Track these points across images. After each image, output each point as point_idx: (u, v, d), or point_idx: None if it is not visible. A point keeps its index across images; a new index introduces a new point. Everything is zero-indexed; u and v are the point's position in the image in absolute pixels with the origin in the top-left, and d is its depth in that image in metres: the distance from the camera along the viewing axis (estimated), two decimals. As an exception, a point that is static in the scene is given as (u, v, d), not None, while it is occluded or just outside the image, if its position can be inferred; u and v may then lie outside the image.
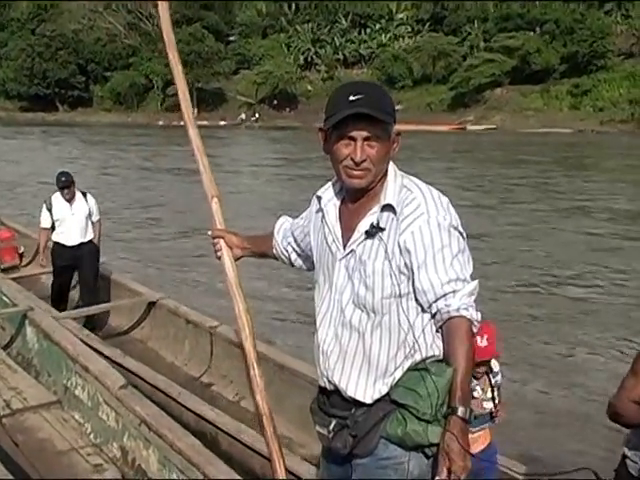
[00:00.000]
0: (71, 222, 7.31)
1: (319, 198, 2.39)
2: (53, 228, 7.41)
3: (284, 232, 2.68)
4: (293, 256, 2.67)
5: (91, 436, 4.56)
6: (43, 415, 4.80)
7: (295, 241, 2.62)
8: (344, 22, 62.84)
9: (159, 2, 2.70)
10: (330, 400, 2.32)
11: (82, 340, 5.43)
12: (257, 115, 58.92)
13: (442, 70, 55.62)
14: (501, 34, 53.50)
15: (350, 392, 2.22)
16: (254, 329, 2.71)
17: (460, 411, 2.04)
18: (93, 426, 4.61)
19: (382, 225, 2.17)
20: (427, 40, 57.50)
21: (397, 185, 2.21)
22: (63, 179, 7.19)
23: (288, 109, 60.82)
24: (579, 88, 49.04)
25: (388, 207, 2.17)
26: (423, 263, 2.11)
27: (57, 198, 7.33)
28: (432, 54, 55.82)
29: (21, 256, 9.89)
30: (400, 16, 62.26)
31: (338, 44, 62.78)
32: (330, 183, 2.39)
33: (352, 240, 2.22)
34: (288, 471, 3.97)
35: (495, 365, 3.32)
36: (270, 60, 61.64)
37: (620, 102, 46.91)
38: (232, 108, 61.25)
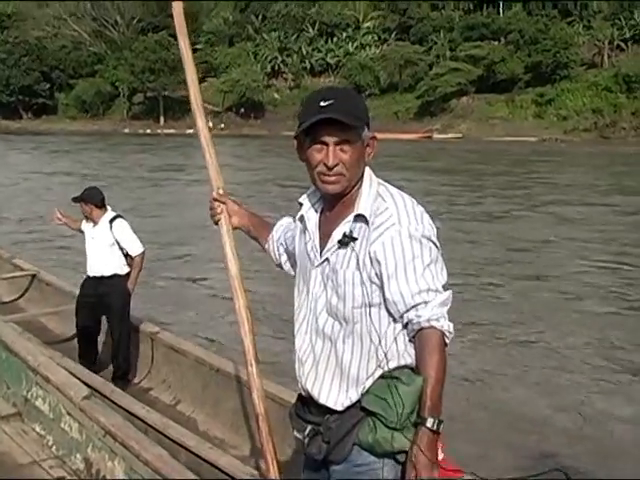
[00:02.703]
0: (89, 247, 6.12)
1: (301, 205, 2.37)
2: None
3: (282, 231, 2.64)
4: (284, 258, 2.64)
5: (53, 448, 4.42)
6: (2, 428, 4.65)
7: (285, 244, 2.60)
8: (311, 31, 63.14)
9: (174, 3, 2.73)
10: (306, 406, 2.31)
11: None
12: (223, 124, 58.81)
13: (409, 79, 56.15)
14: (466, 43, 54.27)
15: (322, 399, 2.22)
16: (252, 313, 2.63)
17: (429, 422, 2.04)
18: (55, 438, 4.46)
19: (354, 235, 2.15)
20: (394, 49, 58.05)
21: (372, 194, 2.19)
22: (85, 192, 6.03)
23: (255, 117, 60.84)
24: (543, 97, 49.87)
25: (361, 217, 2.16)
26: (393, 274, 2.10)
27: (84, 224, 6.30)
28: (399, 63, 56.35)
29: None
30: (367, 25, 62.73)
31: (305, 53, 63.07)
32: (312, 189, 2.36)
33: (327, 248, 2.21)
34: (218, 469, 4.05)
35: None
36: (237, 68, 61.67)
37: (583, 111, 47.79)
38: (199, 116, 61.04)
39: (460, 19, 58.08)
